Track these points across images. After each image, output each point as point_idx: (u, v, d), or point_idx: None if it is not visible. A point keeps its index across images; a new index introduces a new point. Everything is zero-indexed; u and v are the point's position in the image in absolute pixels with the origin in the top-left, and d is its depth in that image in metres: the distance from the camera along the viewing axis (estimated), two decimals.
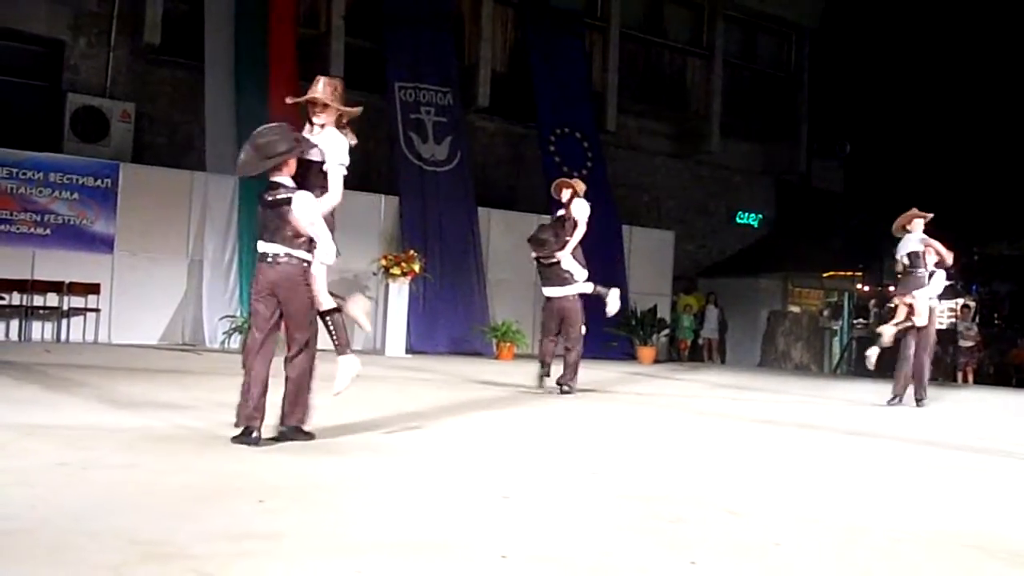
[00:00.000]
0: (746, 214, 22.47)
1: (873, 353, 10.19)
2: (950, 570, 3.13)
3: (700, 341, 20.31)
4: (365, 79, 17.05)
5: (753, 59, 23.17)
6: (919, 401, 9.99)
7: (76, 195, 14.22)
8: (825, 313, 20.19)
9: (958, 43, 20.08)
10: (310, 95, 5.18)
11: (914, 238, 10.11)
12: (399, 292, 14.73)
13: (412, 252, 14.64)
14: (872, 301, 18.97)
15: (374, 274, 15.32)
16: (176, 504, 3.37)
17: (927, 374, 10.32)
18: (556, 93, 18.50)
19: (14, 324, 13.74)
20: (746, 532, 3.43)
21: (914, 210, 10.24)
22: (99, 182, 14.38)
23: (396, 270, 14.49)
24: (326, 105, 5.14)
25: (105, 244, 14.36)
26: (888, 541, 3.39)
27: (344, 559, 2.76)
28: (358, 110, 5.34)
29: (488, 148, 18.76)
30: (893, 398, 9.98)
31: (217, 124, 15.12)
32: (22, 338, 13.66)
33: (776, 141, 22.78)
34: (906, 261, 10.19)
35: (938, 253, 10.09)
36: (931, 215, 10.15)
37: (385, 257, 14.78)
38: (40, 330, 13.93)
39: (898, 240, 10.30)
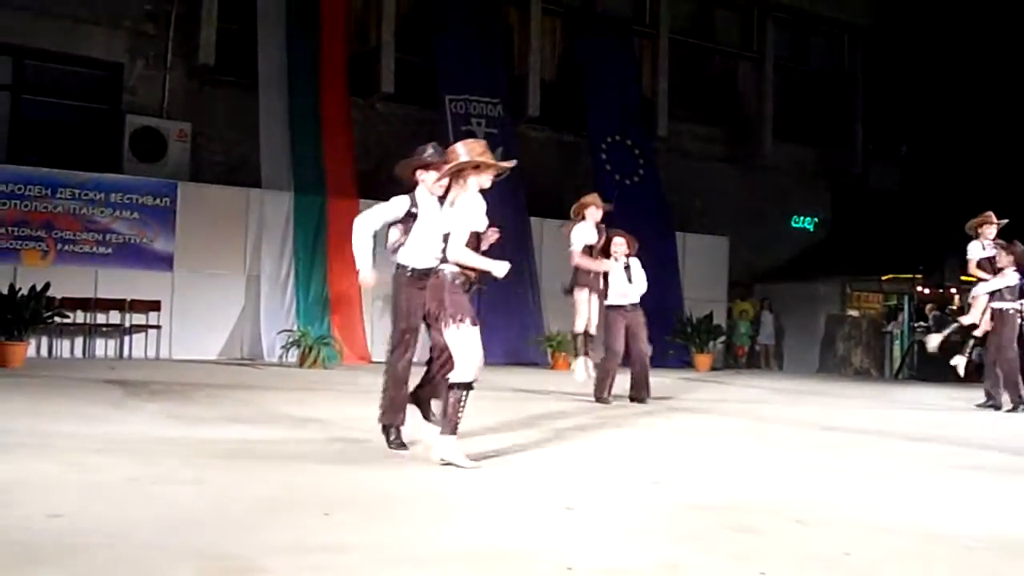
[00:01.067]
0: (801, 218, 22.18)
1: (959, 362, 9.95)
2: None
3: (757, 348, 20.10)
4: (416, 93, 17.20)
5: (805, 61, 22.89)
6: (997, 407, 9.67)
7: (136, 214, 14.51)
8: (891, 325, 19.83)
9: (1013, 40, 19.66)
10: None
11: (980, 244, 9.91)
12: None
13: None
14: (929, 305, 18.60)
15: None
16: (245, 518, 3.41)
17: (1004, 379, 9.75)
18: (606, 101, 18.46)
19: (79, 342, 14.04)
20: (815, 541, 3.38)
21: (989, 214, 10.00)
22: (158, 201, 14.66)
23: None
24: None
25: (164, 262, 14.63)
26: (962, 549, 3.32)
27: (410, 570, 2.76)
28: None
29: (539, 158, 18.78)
30: (1013, 407, 9.52)
31: (271, 142, 15.34)
32: (86, 355, 13.95)
33: (831, 143, 22.47)
34: (972, 268, 9.98)
35: (1011, 252, 9.80)
36: (1006, 220, 9.91)
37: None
38: (104, 347, 14.22)
39: (970, 239, 10.07)
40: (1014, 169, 19.00)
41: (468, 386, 4.77)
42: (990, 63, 19.94)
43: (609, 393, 9.04)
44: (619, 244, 9.20)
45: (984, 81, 20.21)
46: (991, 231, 9.90)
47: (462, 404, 4.76)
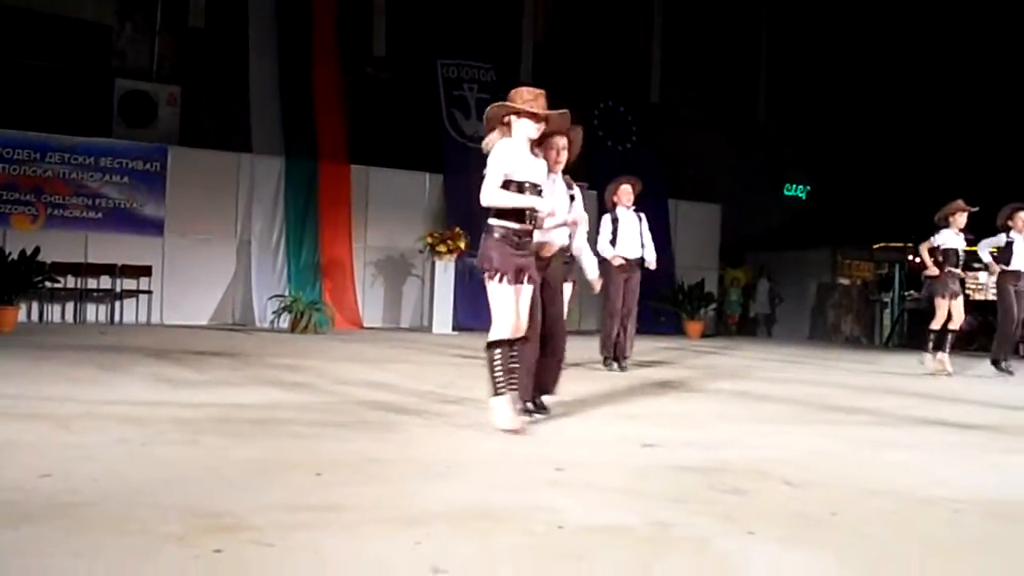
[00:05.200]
0: (794, 186, 22.17)
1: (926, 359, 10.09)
2: (1015, 540, 3.07)
3: (751, 314, 20.15)
4: (407, 56, 17.09)
5: (801, 29, 22.75)
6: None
7: (126, 179, 14.45)
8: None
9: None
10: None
11: (953, 234, 9.94)
12: (445, 269, 14.78)
13: (458, 229, 14.67)
14: (924, 272, 18.63)
15: (420, 252, 15.38)
16: (235, 478, 3.42)
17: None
18: (600, 66, 18.37)
19: (69, 307, 14.01)
20: (803, 503, 3.40)
21: (959, 202, 10.00)
22: (148, 165, 14.59)
23: (442, 247, 14.54)
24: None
25: (155, 227, 14.59)
26: (949, 512, 3.34)
27: (402, 530, 2.77)
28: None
29: None
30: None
31: (262, 106, 15.26)
32: (77, 320, 13.93)
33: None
34: (940, 257, 10.02)
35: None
36: (976, 208, 9.93)
37: (431, 235, 14.83)
38: (95, 312, 14.21)
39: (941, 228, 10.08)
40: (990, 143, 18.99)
41: (495, 344, 4.69)
42: (971, 36, 19.85)
43: (623, 356, 9.04)
44: (626, 192, 9.09)
45: (974, 50, 20.12)
46: (962, 219, 9.92)
47: (495, 364, 4.68)
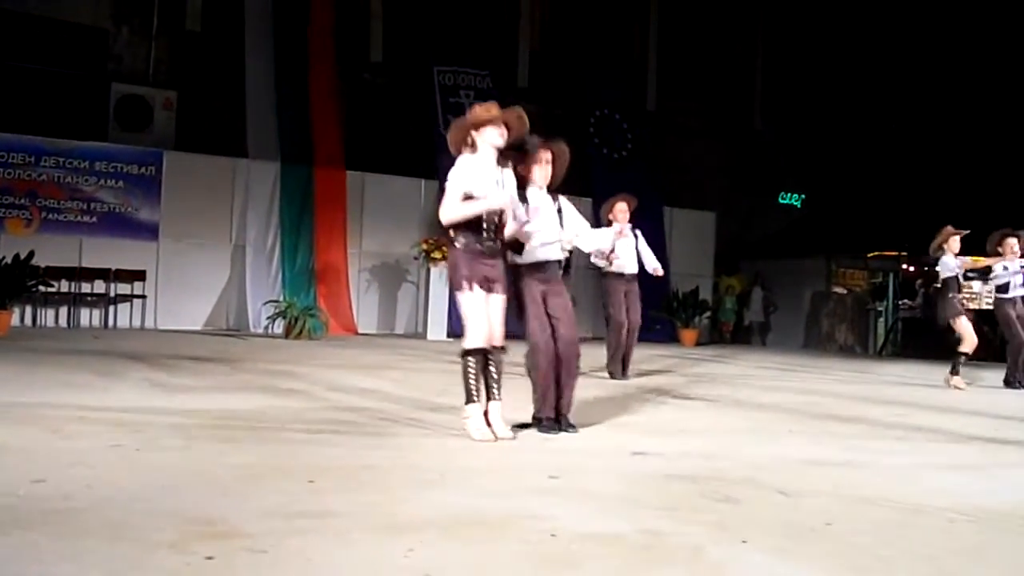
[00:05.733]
0: (788, 194, 22.20)
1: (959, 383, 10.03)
2: (1009, 550, 3.08)
3: (746, 323, 20.16)
4: (403, 62, 17.11)
5: (796, 37, 22.81)
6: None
7: (121, 183, 14.43)
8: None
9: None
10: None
11: (951, 261, 9.91)
12: (440, 276, 14.75)
13: None
14: (918, 281, 18.69)
15: (415, 258, 15.37)
16: (229, 484, 3.42)
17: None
18: (596, 74, 18.41)
19: (63, 311, 13.98)
20: (797, 512, 3.41)
21: (948, 228, 10.01)
22: (143, 170, 14.58)
23: (437, 254, 14.51)
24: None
25: (150, 231, 14.57)
26: (943, 521, 3.35)
27: (395, 537, 2.77)
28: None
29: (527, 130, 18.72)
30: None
31: (258, 110, 15.25)
32: (71, 325, 13.90)
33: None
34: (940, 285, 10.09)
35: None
36: (967, 231, 9.94)
37: (426, 241, 14.82)
38: (88, 317, 14.17)
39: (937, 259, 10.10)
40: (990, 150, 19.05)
41: (468, 353, 4.73)
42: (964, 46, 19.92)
43: (624, 368, 9.04)
44: (622, 210, 9.09)
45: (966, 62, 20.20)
46: (956, 243, 9.94)
47: (469, 372, 4.73)
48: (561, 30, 19.04)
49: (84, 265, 14.06)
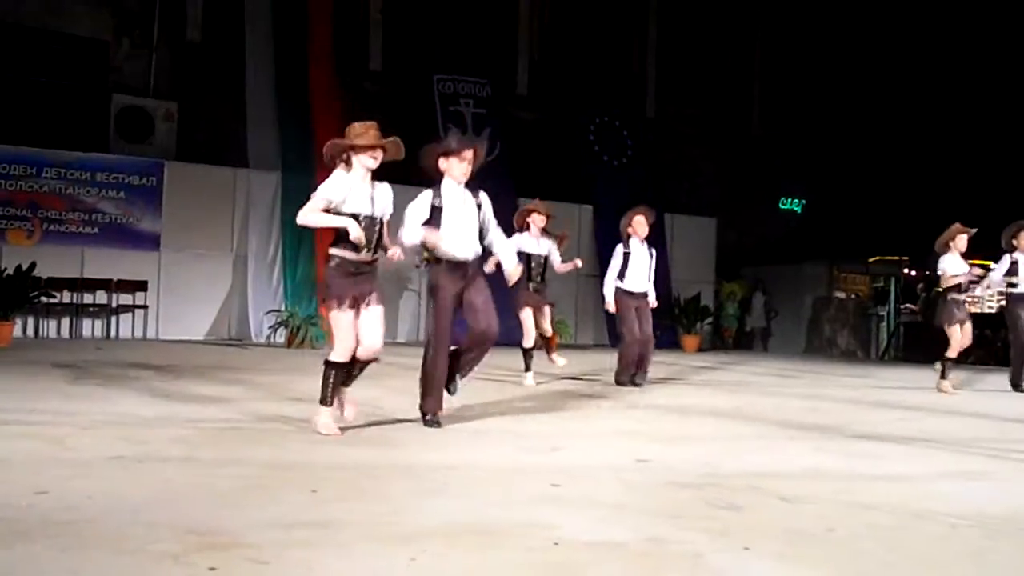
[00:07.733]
0: (789, 200, 22.21)
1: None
2: (1011, 555, 3.07)
3: (747, 328, 20.15)
4: (403, 71, 17.14)
5: (794, 42, 22.85)
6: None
7: (122, 194, 14.46)
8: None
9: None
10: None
11: (956, 261, 9.70)
12: None
13: None
14: (920, 285, 18.67)
15: (416, 266, 15.35)
16: (231, 495, 3.42)
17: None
18: (595, 81, 18.43)
19: (65, 322, 14.00)
20: (799, 518, 3.40)
21: (957, 226, 9.79)
22: (144, 180, 14.61)
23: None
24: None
25: (151, 242, 14.59)
26: (945, 527, 3.34)
27: (397, 546, 2.77)
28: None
29: (527, 138, 18.77)
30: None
31: (259, 120, 15.27)
32: (73, 335, 13.91)
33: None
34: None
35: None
36: (975, 230, 9.73)
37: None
38: (90, 327, 14.19)
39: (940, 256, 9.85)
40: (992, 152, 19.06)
41: (331, 365, 4.95)
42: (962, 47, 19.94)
43: (636, 374, 8.99)
44: (640, 223, 9.02)
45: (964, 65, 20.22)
46: (962, 242, 9.70)
47: (328, 380, 4.95)
48: (560, 38, 19.06)
49: (86, 276, 14.08)
